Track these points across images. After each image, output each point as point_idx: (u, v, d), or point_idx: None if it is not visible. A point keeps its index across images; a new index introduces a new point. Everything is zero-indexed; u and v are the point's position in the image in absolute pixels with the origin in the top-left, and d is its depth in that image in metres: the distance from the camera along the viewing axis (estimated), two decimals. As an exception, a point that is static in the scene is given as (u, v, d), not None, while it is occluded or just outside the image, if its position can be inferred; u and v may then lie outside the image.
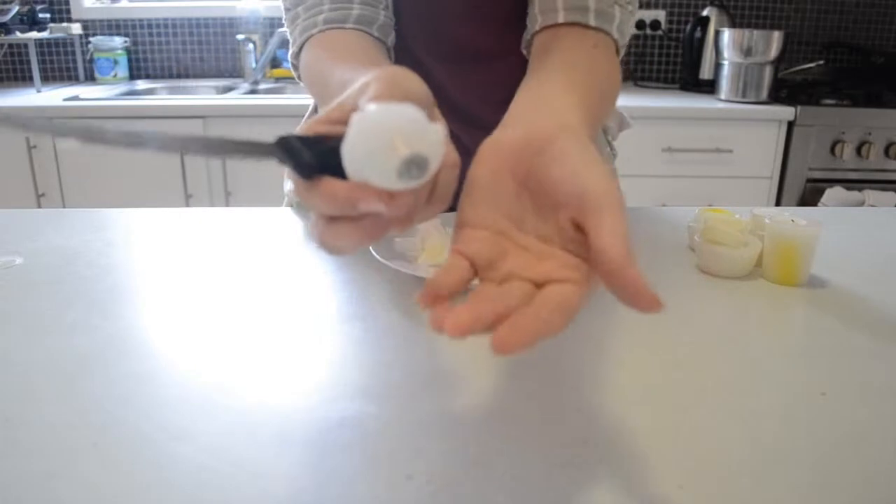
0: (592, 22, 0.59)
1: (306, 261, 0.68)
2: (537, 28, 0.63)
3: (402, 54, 0.77)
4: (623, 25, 0.62)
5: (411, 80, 0.36)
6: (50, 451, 0.38)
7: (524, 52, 0.68)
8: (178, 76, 2.34)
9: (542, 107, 0.42)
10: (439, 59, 0.77)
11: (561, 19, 0.60)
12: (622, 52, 0.63)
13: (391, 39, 0.71)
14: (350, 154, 0.29)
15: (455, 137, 0.89)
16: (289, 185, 0.90)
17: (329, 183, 0.31)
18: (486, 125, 0.87)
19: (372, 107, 0.29)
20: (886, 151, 1.91)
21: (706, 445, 0.39)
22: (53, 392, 0.44)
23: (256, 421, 0.41)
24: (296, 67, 0.72)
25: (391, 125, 0.29)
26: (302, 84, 0.70)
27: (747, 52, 1.94)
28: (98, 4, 2.29)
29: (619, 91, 0.60)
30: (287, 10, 0.71)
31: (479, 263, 0.34)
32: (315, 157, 0.31)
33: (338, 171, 0.31)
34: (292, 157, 0.31)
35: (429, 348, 0.51)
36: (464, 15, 0.74)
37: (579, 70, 0.52)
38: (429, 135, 0.30)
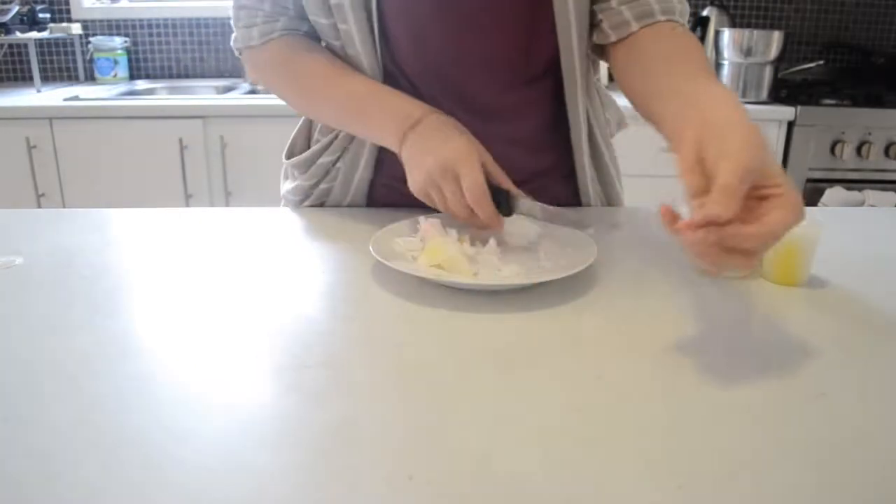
0: (661, 17, 0.71)
1: (306, 261, 0.68)
2: (619, 37, 0.72)
3: (401, 33, 0.74)
4: (682, 9, 0.73)
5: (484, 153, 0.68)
6: (50, 451, 0.38)
7: (590, 53, 0.77)
8: (178, 76, 2.34)
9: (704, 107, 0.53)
10: (442, 30, 0.74)
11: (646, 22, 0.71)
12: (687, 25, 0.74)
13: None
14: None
15: None
16: (286, 187, 0.90)
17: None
18: (484, 110, 0.89)
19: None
20: (886, 151, 1.91)
21: (706, 445, 0.39)
22: (54, 392, 0.44)
23: (256, 421, 0.41)
24: (242, 57, 0.82)
25: None
26: (252, 73, 0.85)
27: (747, 52, 1.94)
28: (98, 4, 2.29)
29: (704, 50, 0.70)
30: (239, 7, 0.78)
31: None
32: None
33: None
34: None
35: (429, 349, 0.51)
36: None
37: (690, 57, 0.66)
38: None
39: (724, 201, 0.44)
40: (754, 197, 0.46)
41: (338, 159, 0.83)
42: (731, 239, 0.45)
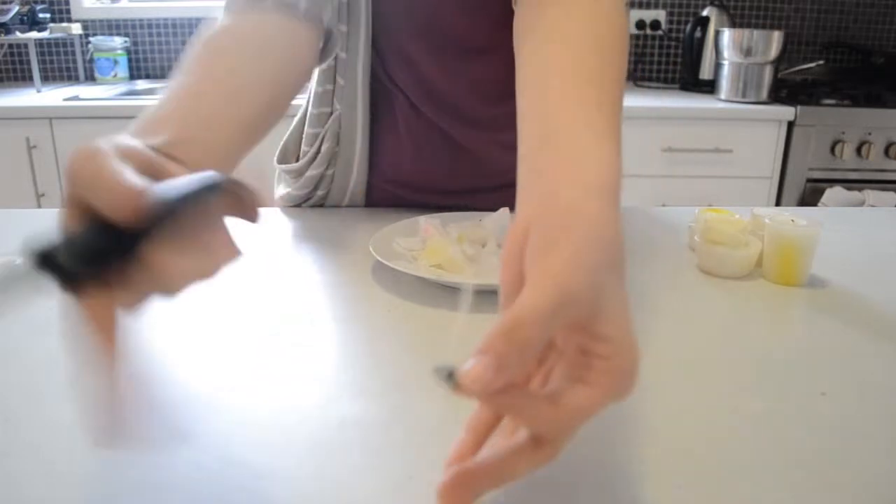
0: None
1: (306, 261, 0.68)
2: None
3: (388, 48, 0.76)
4: None
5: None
6: (50, 451, 0.38)
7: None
8: (178, 76, 2.34)
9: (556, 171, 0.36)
10: (429, 51, 0.76)
11: None
12: None
13: (327, 15, 0.65)
14: None
15: (444, 133, 0.88)
16: (279, 192, 0.90)
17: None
18: (477, 121, 0.86)
19: None
20: (886, 151, 1.91)
21: (706, 445, 0.39)
22: (54, 392, 0.44)
23: (257, 421, 0.41)
24: None
25: None
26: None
27: (747, 52, 1.94)
28: (98, 4, 2.29)
29: (626, 38, 0.50)
30: None
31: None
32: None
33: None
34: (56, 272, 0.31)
35: (428, 348, 0.51)
36: (457, 7, 0.73)
37: (583, 47, 0.45)
38: None
39: (502, 350, 0.29)
40: (578, 346, 0.30)
41: (326, 169, 0.83)
42: (524, 417, 0.30)
